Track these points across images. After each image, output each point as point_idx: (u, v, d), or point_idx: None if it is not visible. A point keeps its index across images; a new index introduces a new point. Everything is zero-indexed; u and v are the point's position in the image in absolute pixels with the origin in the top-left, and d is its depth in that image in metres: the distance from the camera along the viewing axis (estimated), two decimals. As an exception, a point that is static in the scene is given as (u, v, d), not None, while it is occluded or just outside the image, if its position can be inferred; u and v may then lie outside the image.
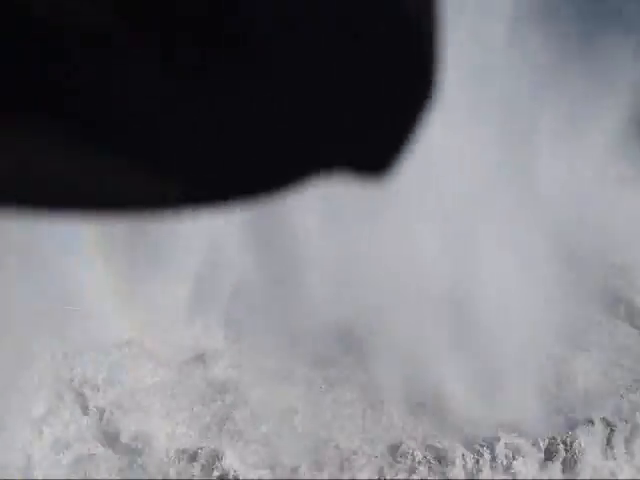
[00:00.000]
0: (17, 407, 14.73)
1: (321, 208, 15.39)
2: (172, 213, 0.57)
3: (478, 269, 14.68)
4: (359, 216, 15.71)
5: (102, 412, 14.51)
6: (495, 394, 13.71)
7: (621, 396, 14.31)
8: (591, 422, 13.64)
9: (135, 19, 0.52)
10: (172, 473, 13.85)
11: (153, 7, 0.52)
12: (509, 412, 14.13)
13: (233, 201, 0.55)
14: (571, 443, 13.45)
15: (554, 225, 16.51)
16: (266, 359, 15.47)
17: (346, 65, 0.52)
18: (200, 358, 15.70)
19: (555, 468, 13.63)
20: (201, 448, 13.74)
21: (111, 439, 14.06)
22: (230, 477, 13.32)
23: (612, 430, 13.37)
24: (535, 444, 13.77)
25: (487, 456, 13.81)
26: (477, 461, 13.77)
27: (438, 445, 13.94)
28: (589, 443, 13.54)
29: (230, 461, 13.54)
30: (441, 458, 13.90)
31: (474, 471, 13.97)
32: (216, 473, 13.42)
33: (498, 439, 13.63)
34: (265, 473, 13.32)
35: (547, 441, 13.75)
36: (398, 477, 13.78)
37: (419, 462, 14.00)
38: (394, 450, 14.19)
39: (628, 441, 13.44)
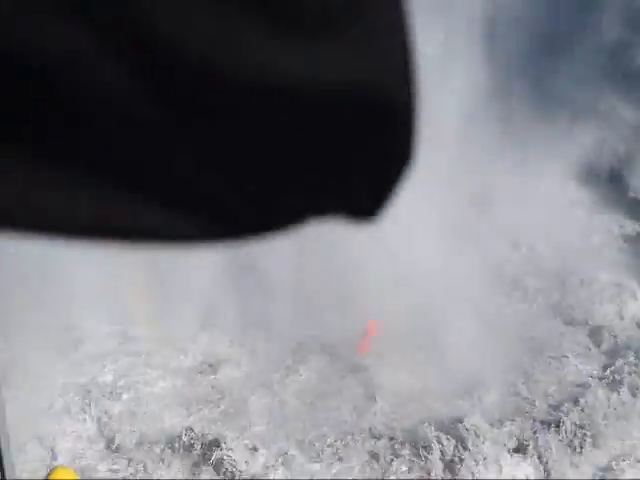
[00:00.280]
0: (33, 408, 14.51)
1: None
2: (172, 245, 0.59)
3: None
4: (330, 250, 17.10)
5: (112, 417, 15.02)
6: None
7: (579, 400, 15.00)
8: (556, 425, 14.12)
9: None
10: (179, 475, 14.24)
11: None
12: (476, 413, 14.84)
13: (226, 239, 0.59)
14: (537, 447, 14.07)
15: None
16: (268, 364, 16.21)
17: (335, 129, 0.56)
18: (208, 365, 16.44)
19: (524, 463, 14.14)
20: (210, 449, 14.30)
21: (118, 443, 14.39)
22: (236, 476, 13.75)
23: (576, 432, 14.07)
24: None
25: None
26: (456, 446, 14.11)
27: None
28: (555, 444, 14.05)
29: (237, 459, 14.05)
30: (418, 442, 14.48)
31: (453, 457, 14.10)
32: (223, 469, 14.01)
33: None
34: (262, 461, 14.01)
35: (515, 440, 14.20)
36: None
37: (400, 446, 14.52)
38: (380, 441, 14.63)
39: (593, 444, 13.98)
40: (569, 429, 14.40)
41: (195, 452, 14.65)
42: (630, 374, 16.38)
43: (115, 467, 14.15)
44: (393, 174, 0.59)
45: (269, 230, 0.60)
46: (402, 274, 16.96)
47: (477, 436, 14.36)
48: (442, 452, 14.33)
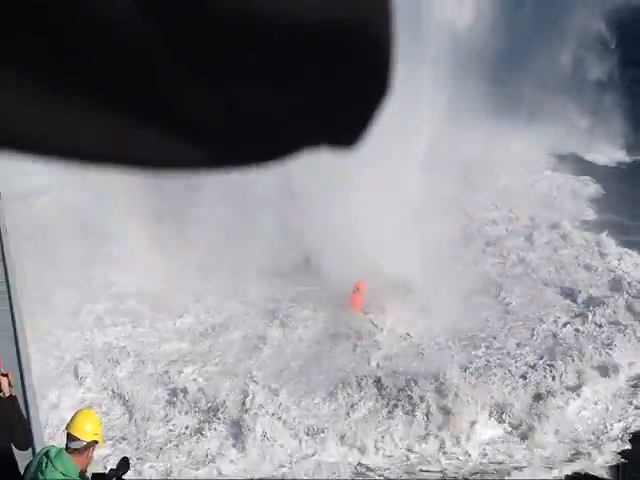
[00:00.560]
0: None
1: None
2: (183, 172, 0.60)
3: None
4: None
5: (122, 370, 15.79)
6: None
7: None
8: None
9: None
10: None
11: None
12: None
13: (235, 166, 0.61)
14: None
15: None
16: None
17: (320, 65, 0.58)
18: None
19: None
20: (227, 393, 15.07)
21: (133, 402, 15.02)
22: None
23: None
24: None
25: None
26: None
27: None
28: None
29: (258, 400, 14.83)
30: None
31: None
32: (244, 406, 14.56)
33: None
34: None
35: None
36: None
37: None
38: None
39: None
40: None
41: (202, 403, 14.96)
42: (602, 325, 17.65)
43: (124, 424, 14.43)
44: (372, 103, 0.61)
45: (265, 158, 0.61)
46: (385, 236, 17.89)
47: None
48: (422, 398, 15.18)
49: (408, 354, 16.76)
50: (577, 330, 17.49)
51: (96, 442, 5.61)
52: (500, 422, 15.02)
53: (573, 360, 16.28)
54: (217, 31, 0.57)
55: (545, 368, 16.08)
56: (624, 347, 16.87)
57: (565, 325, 17.71)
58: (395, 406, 15.03)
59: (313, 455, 14.19)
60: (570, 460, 14.31)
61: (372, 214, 17.65)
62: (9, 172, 16.13)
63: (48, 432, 11.17)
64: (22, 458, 5.91)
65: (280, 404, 14.83)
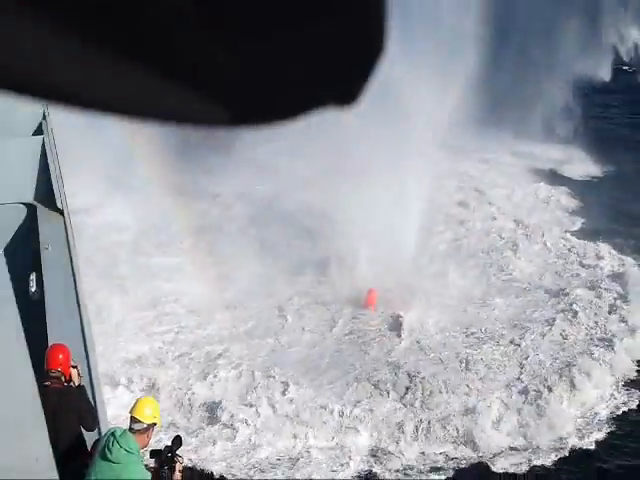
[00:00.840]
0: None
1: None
2: (202, 126, 0.57)
3: None
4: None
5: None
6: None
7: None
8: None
9: None
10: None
11: None
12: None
13: (251, 123, 0.58)
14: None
15: None
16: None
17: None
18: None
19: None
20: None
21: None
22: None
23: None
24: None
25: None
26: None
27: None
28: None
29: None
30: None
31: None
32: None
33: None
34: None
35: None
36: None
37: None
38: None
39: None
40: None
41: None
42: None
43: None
44: (369, 60, 0.58)
45: (274, 117, 0.58)
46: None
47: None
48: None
49: (416, 349, 16.42)
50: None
51: (155, 424, 5.69)
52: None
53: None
54: None
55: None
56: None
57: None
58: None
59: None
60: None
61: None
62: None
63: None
64: (90, 438, 5.91)
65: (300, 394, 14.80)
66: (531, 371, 15.52)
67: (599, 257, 20.06)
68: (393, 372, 15.31)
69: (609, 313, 17.51)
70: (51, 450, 4.91)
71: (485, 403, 14.43)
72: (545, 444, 13.82)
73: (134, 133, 21.89)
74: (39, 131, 10.20)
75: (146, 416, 5.60)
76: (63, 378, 6.08)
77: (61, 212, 8.93)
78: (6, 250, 8.37)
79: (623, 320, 17.47)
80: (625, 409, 14.86)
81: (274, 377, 14.91)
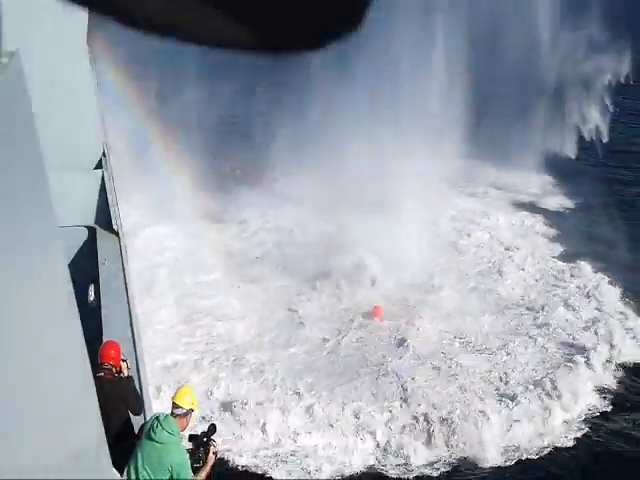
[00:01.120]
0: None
1: None
2: (232, 49, 0.57)
3: None
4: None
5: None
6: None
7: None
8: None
9: None
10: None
11: None
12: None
13: (271, 52, 0.57)
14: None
15: None
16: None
17: None
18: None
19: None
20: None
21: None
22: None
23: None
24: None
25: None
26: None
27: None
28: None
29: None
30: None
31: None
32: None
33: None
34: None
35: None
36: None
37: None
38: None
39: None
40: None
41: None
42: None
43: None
44: None
45: (292, 44, 0.57)
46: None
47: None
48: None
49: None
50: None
51: (192, 410, 5.80)
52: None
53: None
54: None
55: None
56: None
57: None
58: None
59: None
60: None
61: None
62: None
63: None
64: (136, 422, 6.02)
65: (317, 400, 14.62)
66: (516, 380, 15.39)
67: (576, 277, 19.94)
68: (396, 378, 15.11)
69: (584, 330, 17.39)
70: (104, 431, 5.14)
71: (477, 408, 14.29)
72: (532, 449, 13.70)
73: (177, 169, 22.35)
74: (99, 165, 10.62)
75: (185, 402, 5.72)
76: (114, 370, 6.26)
77: (116, 233, 9.29)
78: (70, 265, 8.61)
79: (597, 333, 17.36)
80: (603, 417, 14.71)
81: (293, 381, 14.76)
